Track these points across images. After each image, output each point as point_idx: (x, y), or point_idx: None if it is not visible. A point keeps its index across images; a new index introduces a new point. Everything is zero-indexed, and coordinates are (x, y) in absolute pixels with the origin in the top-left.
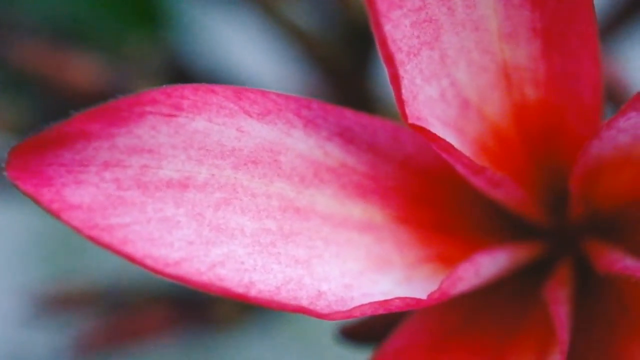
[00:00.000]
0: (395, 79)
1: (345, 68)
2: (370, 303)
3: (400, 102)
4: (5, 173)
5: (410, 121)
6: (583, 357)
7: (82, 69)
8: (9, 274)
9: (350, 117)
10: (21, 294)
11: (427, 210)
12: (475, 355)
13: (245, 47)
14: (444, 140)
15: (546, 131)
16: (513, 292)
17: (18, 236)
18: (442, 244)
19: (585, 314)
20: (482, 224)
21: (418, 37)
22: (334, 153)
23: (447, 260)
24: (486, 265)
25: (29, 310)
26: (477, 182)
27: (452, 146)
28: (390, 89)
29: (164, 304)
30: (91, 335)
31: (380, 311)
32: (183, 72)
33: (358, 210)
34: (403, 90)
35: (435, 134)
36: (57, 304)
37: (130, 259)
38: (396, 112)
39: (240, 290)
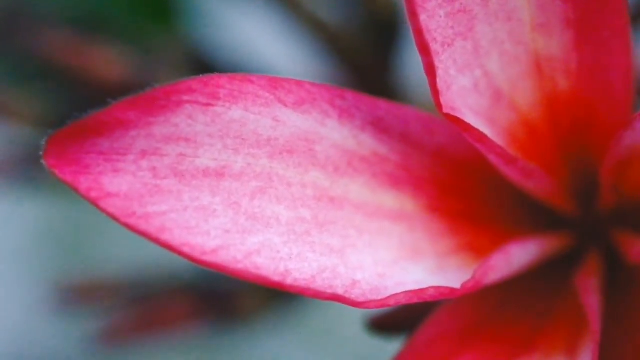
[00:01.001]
0: (431, 69)
1: (368, 61)
2: (405, 292)
3: (435, 92)
4: (41, 162)
5: (444, 111)
6: (613, 348)
7: (106, 60)
8: (29, 265)
9: (384, 107)
10: (45, 285)
11: (458, 200)
12: (506, 345)
13: (267, 40)
14: (477, 130)
15: (577, 122)
16: (542, 283)
17: (35, 228)
18: (473, 233)
19: (614, 305)
20: (513, 215)
21: (452, 27)
22: (367, 143)
23: (478, 250)
24: (517, 255)
25: (53, 301)
26: (509, 172)
27: (485, 136)
28: (414, 81)
29: (188, 296)
30: (115, 326)
31: (415, 300)
32: (205, 64)
33: (390, 199)
34: (437, 80)
35: (469, 124)
36: (82, 294)
37: (168, 247)
38: (421, 104)
39: (276, 278)
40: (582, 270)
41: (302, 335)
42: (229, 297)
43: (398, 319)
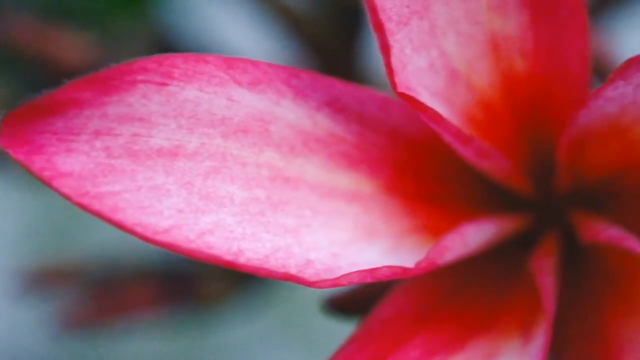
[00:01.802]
0: (385, 48)
1: (333, 45)
2: (358, 271)
3: (390, 71)
4: None
5: (399, 90)
6: (570, 330)
7: (71, 45)
8: None
9: (340, 87)
10: (7, 271)
11: (414, 180)
12: (461, 326)
13: (233, 25)
14: (432, 109)
15: (534, 102)
16: (500, 264)
17: (5, 215)
18: (429, 214)
19: (572, 287)
20: (470, 195)
21: (408, 6)
22: (323, 123)
23: (434, 230)
24: (473, 236)
25: (16, 286)
26: (465, 152)
27: (440, 115)
28: (379, 64)
29: (151, 281)
30: (78, 310)
31: (368, 279)
32: (171, 49)
33: (346, 180)
34: (392, 59)
35: (423, 104)
36: (44, 279)
37: (120, 226)
38: (385, 87)
39: (228, 258)
40: (538, 251)
41: (270, 319)
42: (194, 282)
43: (355, 299)
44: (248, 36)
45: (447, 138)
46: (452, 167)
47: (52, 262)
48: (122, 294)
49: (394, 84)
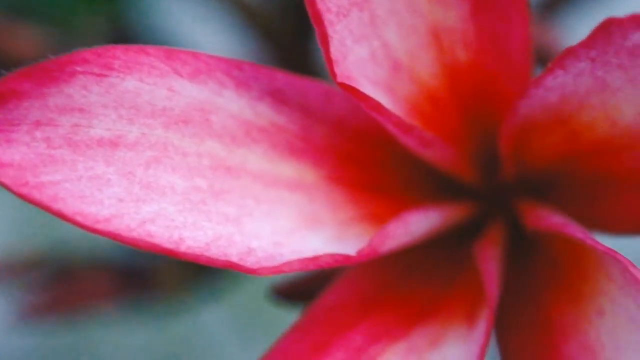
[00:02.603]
0: (324, 39)
1: (289, 39)
2: (300, 259)
3: (330, 61)
4: None
5: (339, 80)
6: (515, 317)
7: (29, 41)
8: None
9: (282, 78)
10: None
11: (359, 170)
12: (406, 314)
13: (193, 20)
14: (373, 99)
15: (478, 92)
16: (447, 253)
17: None
18: (374, 203)
19: (518, 275)
20: (415, 185)
21: None
22: (265, 113)
23: (379, 219)
24: (416, 224)
25: None
26: (407, 141)
27: (381, 105)
28: None
29: (110, 271)
30: (35, 302)
31: (310, 267)
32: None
33: (289, 169)
34: (332, 50)
35: (364, 93)
36: (4, 270)
37: (61, 215)
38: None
39: (169, 246)
40: (483, 239)
41: (228, 309)
42: (153, 272)
43: (303, 287)
44: (207, 32)
45: (389, 127)
46: (398, 157)
47: (7, 253)
48: (80, 285)
49: (334, 75)
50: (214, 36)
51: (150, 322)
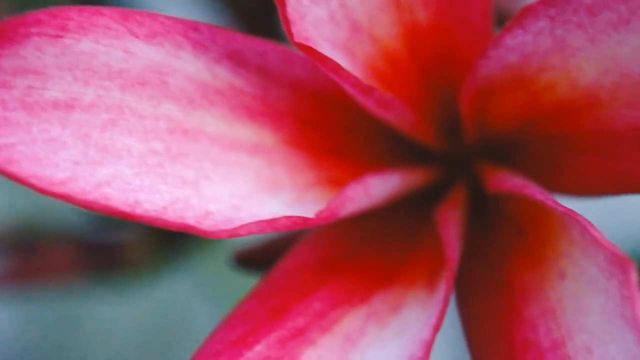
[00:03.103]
0: None
1: (255, 8)
2: (257, 221)
3: (286, 21)
4: None
5: (296, 40)
6: (477, 281)
7: None
8: None
9: (240, 39)
10: None
11: (319, 133)
12: (367, 279)
13: None
14: (330, 60)
15: (438, 54)
16: (410, 217)
17: None
18: (334, 167)
19: (481, 239)
20: (377, 148)
21: None
22: (222, 75)
23: (340, 183)
24: (376, 187)
25: None
26: (366, 102)
27: (339, 66)
28: None
29: (75, 244)
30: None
31: (267, 230)
32: None
33: (248, 132)
34: (289, 10)
35: (321, 54)
36: None
37: (15, 178)
38: None
39: (125, 209)
40: (445, 202)
41: (194, 282)
42: (117, 246)
43: (264, 254)
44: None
45: (347, 89)
46: (359, 120)
47: None
48: (44, 256)
49: (290, 35)
50: (182, 5)
51: (120, 294)
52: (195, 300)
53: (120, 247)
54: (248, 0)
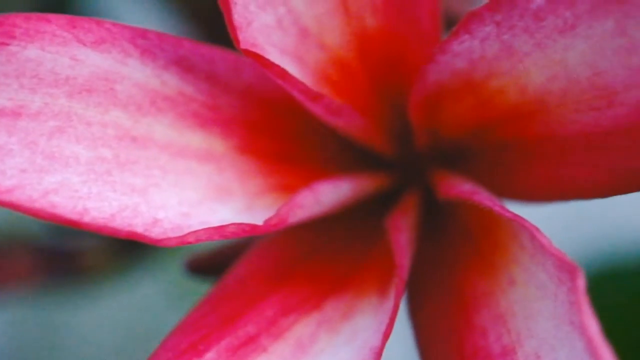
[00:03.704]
0: (226, 4)
1: (213, 13)
2: (205, 229)
3: (232, 27)
4: None
5: (242, 47)
6: (429, 287)
7: None
8: None
9: (188, 46)
10: None
11: (270, 140)
12: (319, 285)
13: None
14: (277, 65)
15: (388, 60)
16: (363, 224)
17: None
18: (286, 174)
19: (433, 246)
20: (329, 155)
21: None
22: (171, 82)
23: (291, 190)
24: (327, 194)
25: None
26: (316, 109)
27: (286, 72)
28: None
29: (34, 252)
30: None
31: (216, 237)
32: None
33: (197, 139)
34: (235, 16)
35: (268, 60)
36: None
37: None
38: None
39: (73, 217)
40: (396, 209)
41: (146, 290)
42: (77, 252)
43: (216, 260)
44: (134, 8)
45: (296, 95)
46: (311, 126)
47: None
48: (2, 265)
49: (237, 41)
50: (143, 13)
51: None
52: (167, 304)
53: (81, 254)
54: (209, 8)
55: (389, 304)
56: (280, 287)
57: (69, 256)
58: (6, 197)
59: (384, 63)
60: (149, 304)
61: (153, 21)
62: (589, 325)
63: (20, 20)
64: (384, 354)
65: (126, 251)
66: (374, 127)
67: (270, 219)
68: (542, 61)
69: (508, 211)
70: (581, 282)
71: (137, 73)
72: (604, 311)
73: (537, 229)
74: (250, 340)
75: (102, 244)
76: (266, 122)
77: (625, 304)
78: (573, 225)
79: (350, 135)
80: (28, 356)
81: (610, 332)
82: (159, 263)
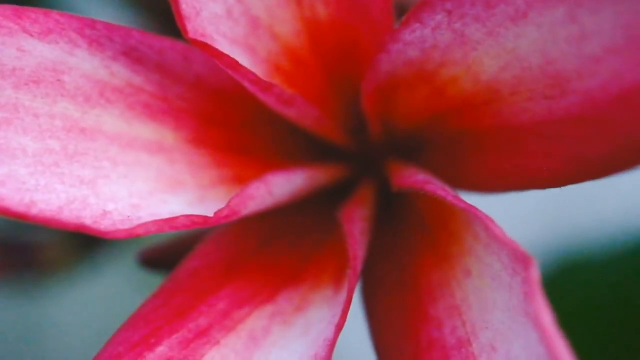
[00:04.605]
0: None
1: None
2: (155, 221)
3: (180, 17)
4: None
5: (191, 36)
6: (385, 279)
7: None
8: None
9: (137, 37)
10: None
11: (222, 131)
12: (273, 277)
13: None
14: (227, 56)
15: (340, 50)
16: (319, 215)
17: None
18: (239, 165)
19: (389, 239)
20: (283, 146)
21: None
22: (120, 73)
23: (244, 181)
24: (279, 185)
25: None
26: (267, 99)
27: (236, 62)
28: None
29: None
30: None
31: (166, 229)
32: None
33: (148, 130)
34: (183, 6)
35: (218, 50)
36: None
37: None
38: None
39: (20, 209)
40: (351, 200)
41: (107, 284)
42: (32, 249)
43: (170, 252)
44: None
45: (247, 85)
46: (264, 117)
47: None
48: None
49: (185, 31)
50: (98, 5)
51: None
52: (135, 292)
53: (39, 247)
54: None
55: (344, 295)
56: (233, 279)
57: (29, 250)
58: None
59: (336, 53)
60: (119, 292)
61: (108, 13)
62: (543, 316)
63: None
64: (343, 342)
65: (86, 243)
66: (328, 117)
67: (221, 210)
68: (494, 50)
69: (462, 201)
70: (535, 273)
71: (85, 64)
72: (569, 303)
73: (491, 219)
74: (203, 334)
75: (64, 237)
76: (218, 113)
77: (591, 295)
78: (538, 218)
79: (303, 125)
80: (8, 354)
81: (575, 324)
82: (126, 252)
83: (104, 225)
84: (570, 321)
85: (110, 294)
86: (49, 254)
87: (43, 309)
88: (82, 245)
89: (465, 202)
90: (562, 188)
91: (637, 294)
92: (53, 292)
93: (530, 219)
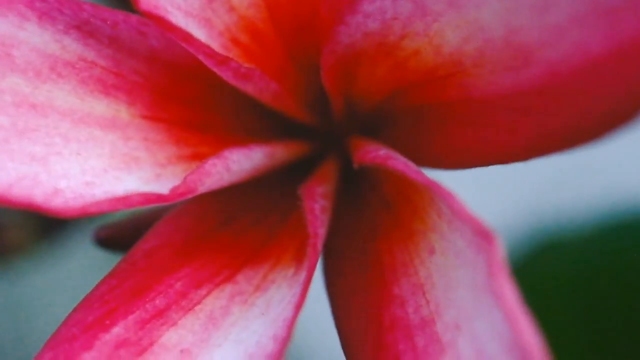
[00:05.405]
0: None
1: None
2: (108, 199)
3: None
4: None
5: (143, 8)
6: (348, 258)
7: None
8: None
9: (89, 9)
10: None
11: (180, 107)
12: (233, 257)
13: None
14: (181, 29)
15: (300, 22)
16: (281, 193)
17: None
18: (197, 142)
19: (353, 216)
20: (244, 123)
21: None
22: (72, 47)
23: (203, 159)
24: (238, 161)
25: None
26: (223, 74)
27: (190, 35)
28: None
29: None
30: None
31: (120, 207)
32: None
33: (101, 106)
34: None
35: (171, 23)
36: None
37: None
38: None
39: None
40: (312, 177)
41: (71, 267)
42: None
43: (127, 232)
44: None
45: (203, 59)
46: (223, 93)
47: None
48: None
49: (136, 2)
50: None
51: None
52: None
53: (1, 230)
54: None
55: (303, 274)
56: (191, 258)
57: None
58: None
59: (295, 26)
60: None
61: None
62: (506, 293)
63: None
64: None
65: (52, 223)
66: (289, 93)
67: (176, 187)
68: (456, 21)
69: (424, 177)
70: (498, 250)
71: (35, 37)
72: (549, 282)
73: (454, 195)
74: (159, 314)
75: (26, 218)
76: (175, 89)
77: (571, 274)
78: (517, 198)
79: (263, 101)
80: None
81: (556, 302)
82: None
83: (56, 203)
84: (551, 300)
85: (76, 274)
86: (11, 235)
87: (8, 291)
88: (46, 226)
89: (427, 178)
90: (541, 168)
91: (618, 271)
92: (18, 274)
93: (509, 199)
